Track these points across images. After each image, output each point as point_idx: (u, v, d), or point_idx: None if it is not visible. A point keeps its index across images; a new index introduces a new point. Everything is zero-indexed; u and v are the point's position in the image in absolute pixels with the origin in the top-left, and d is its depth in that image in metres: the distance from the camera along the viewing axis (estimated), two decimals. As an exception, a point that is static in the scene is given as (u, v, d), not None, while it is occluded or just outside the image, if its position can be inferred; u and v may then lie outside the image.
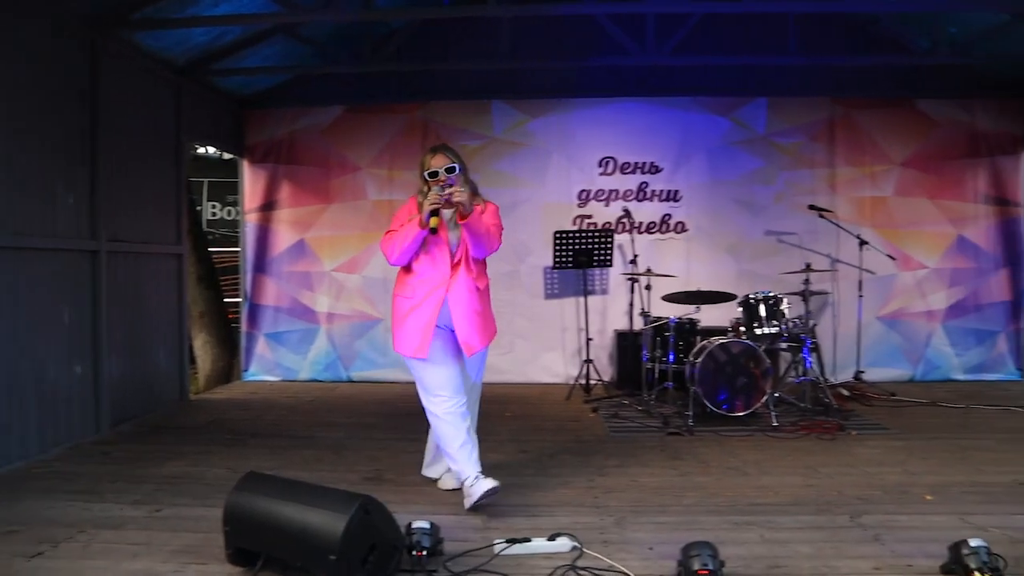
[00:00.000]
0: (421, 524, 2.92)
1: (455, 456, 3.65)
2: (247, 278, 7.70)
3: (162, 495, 3.87)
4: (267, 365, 7.67)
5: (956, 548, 2.71)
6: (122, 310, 5.66)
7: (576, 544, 3.05)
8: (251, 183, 7.70)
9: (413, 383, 7.22)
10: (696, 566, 2.62)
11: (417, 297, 3.60)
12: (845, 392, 6.37)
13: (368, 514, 2.62)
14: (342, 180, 7.63)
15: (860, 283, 6.83)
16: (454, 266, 3.61)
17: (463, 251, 3.62)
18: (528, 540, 3.05)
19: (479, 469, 3.62)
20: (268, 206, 7.66)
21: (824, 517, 3.45)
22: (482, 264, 3.77)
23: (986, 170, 7.39)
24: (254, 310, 7.69)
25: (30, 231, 4.67)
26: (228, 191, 12.45)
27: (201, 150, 13.31)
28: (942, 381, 7.22)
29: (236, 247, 12.33)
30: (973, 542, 2.68)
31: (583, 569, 2.85)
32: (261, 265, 7.67)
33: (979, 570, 2.58)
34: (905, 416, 5.71)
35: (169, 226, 6.46)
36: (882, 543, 3.11)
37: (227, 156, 12.76)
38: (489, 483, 3.52)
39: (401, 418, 5.81)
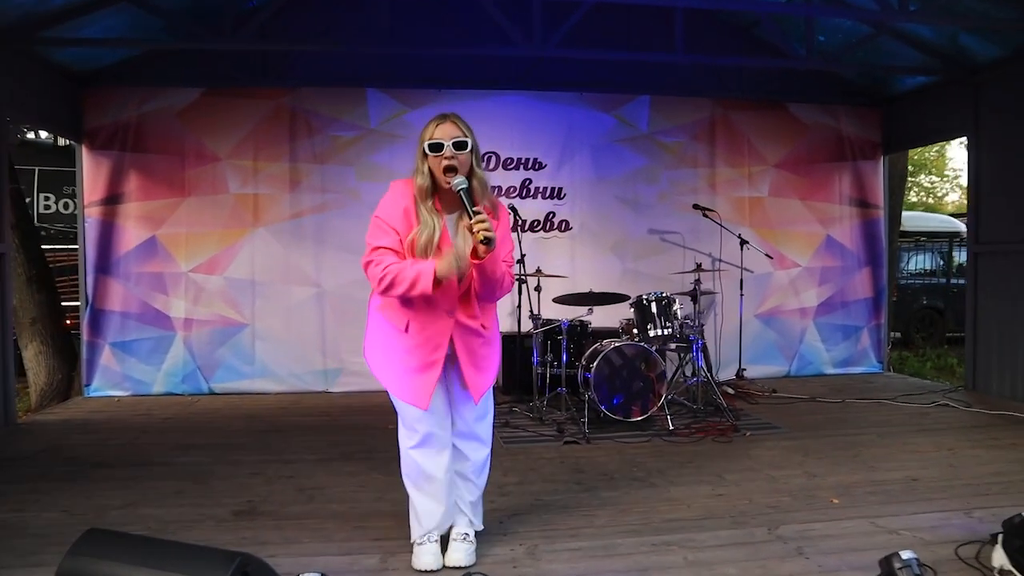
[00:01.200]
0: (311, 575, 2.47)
1: (413, 502, 2.96)
2: (88, 280, 6.79)
3: (-24, 550, 3.17)
4: (114, 378, 6.80)
5: (888, 563, 2.60)
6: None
7: (490, 583, 2.71)
8: (92, 172, 6.78)
9: (284, 393, 6.77)
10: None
11: (414, 331, 2.81)
12: (730, 390, 6.42)
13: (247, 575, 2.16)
14: (199, 171, 6.87)
15: (741, 282, 6.92)
16: (462, 296, 2.84)
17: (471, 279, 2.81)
18: (436, 582, 2.68)
19: (419, 552, 2.93)
20: (112, 199, 6.78)
21: (742, 531, 3.29)
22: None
23: (850, 173, 7.74)
24: (97, 316, 6.79)
25: None
26: (65, 181, 11.08)
27: (31, 135, 11.85)
28: (815, 376, 7.48)
29: (74, 244, 11.06)
30: (904, 555, 2.59)
31: (502, 614, 2.51)
32: (105, 265, 6.78)
33: (916, 587, 2.47)
34: (791, 413, 5.79)
35: (-12, 221, 5.53)
36: (806, 556, 2.98)
37: (62, 143, 11.44)
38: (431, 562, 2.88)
39: (273, 435, 5.24)
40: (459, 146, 2.70)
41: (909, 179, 20.74)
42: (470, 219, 2.58)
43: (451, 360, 2.90)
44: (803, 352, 7.58)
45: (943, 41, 6.45)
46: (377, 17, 6.01)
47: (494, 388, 3.07)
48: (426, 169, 2.74)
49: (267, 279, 6.89)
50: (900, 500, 3.69)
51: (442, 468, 2.90)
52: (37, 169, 11.18)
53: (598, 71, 7.16)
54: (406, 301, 2.79)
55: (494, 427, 3.18)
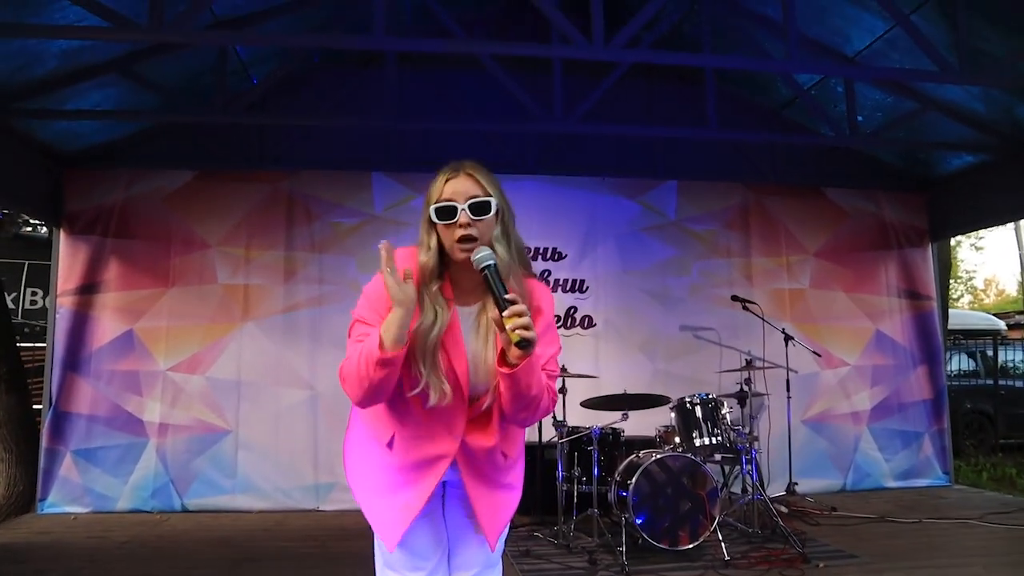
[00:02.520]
0: None
1: None
2: (54, 378, 6.06)
3: None
4: (73, 492, 5.93)
5: None
6: None
7: None
8: (68, 259, 6.17)
9: (268, 511, 5.89)
10: None
11: (399, 451, 1.99)
12: (784, 508, 5.52)
13: None
14: (186, 259, 6.25)
15: (788, 383, 6.15)
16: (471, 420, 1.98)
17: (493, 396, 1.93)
18: None
19: None
20: (88, 288, 6.13)
21: None
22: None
23: (896, 262, 7.11)
24: (59, 419, 6.01)
25: None
26: (41, 276, 10.60)
27: (27, 228, 11.45)
28: (875, 490, 6.56)
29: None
30: None
31: None
32: (74, 362, 6.05)
33: None
34: (863, 537, 4.90)
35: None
36: None
37: (43, 233, 11.00)
38: None
39: (246, 566, 4.37)
40: (479, 209, 1.90)
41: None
42: (500, 311, 1.77)
43: (454, 489, 2.08)
44: (859, 463, 6.69)
45: (997, 115, 5.94)
46: (385, 94, 5.56)
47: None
48: (433, 242, 1.94)
49: (255, 380, 6.13)
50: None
51: None
52: (27, 263, 10.69)
53: (621, 154, 6.66)
54: (392, 407, 1.96)
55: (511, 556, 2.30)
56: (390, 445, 1.97)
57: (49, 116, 5.45)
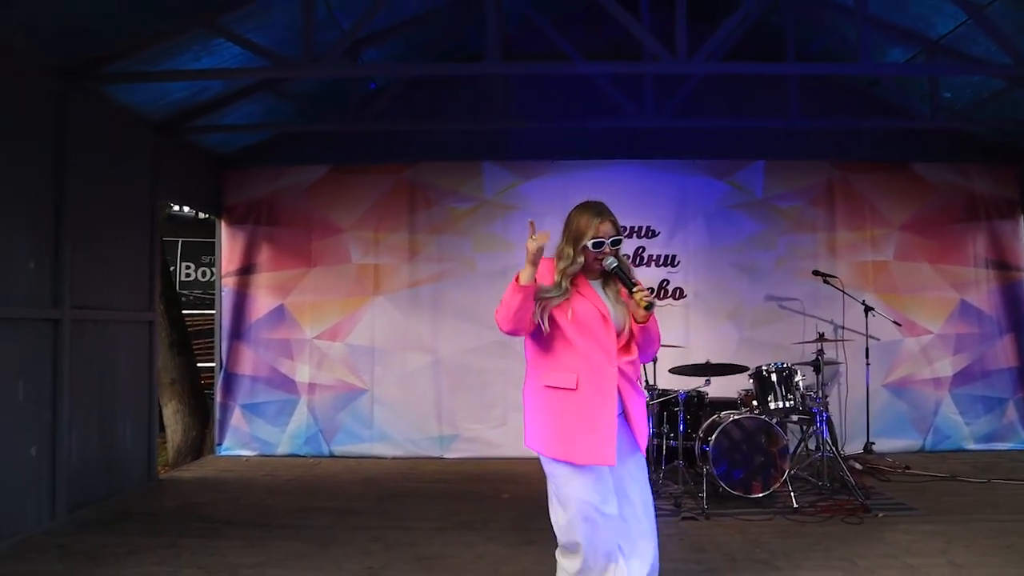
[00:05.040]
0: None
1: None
2: (223, 345, 7.26)
3: (124, 605, 3.38)
4: (242, 438, 7.17)
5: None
6: (86, 383, 5.20)
7: (612, 668, 2.63)
8: (229, 245, 7.32)
9: (400, 458, 6.92)
10: None
11: (584, 384, 2.87)
12: (858, 466, 6.04)
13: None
14: (325, 242, 7.28)
15: (867, 350, 6.59)
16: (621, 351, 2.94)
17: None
18: (557, 665, 2.63)
19: None
20: (246, 269, 7.27)
21: (881, 625, 3.07)
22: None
23: (985, 234, 7.28)
24: (230, 379, 7.22)
25: (-14, 300, 4.25)
26: (203, 251, 12.02)
27: (176, 208, 12.94)
28: (954, 451, 6.92)
29: (210, 310, 11.88)
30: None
31: None
32: (238, 332, 7.24)
33: None
34: (928, 493, 5.39)
35: (140, 291, 6.03)
36: (957, 660, 2.74)
37: (202, 216, 12.43)
38: None
39: (390, 501, 5.36)
40: (615, 243, 2.90)
41: None
42: (629, 290, 2.85)
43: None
44: (939, 425, 7.06)
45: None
46: (492, 94, 6.29)
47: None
48: (580, 259, 2.88)
49: (386, 346, 7.14)
50: (1064, 598, 3.34)
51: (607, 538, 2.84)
52: (180, 240, 12.20)
53: (710, 138, 7.13)
54: (566, 361, 2.87)
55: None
56: (575, 387, 2.83)
57: (217, 131, 6.51)
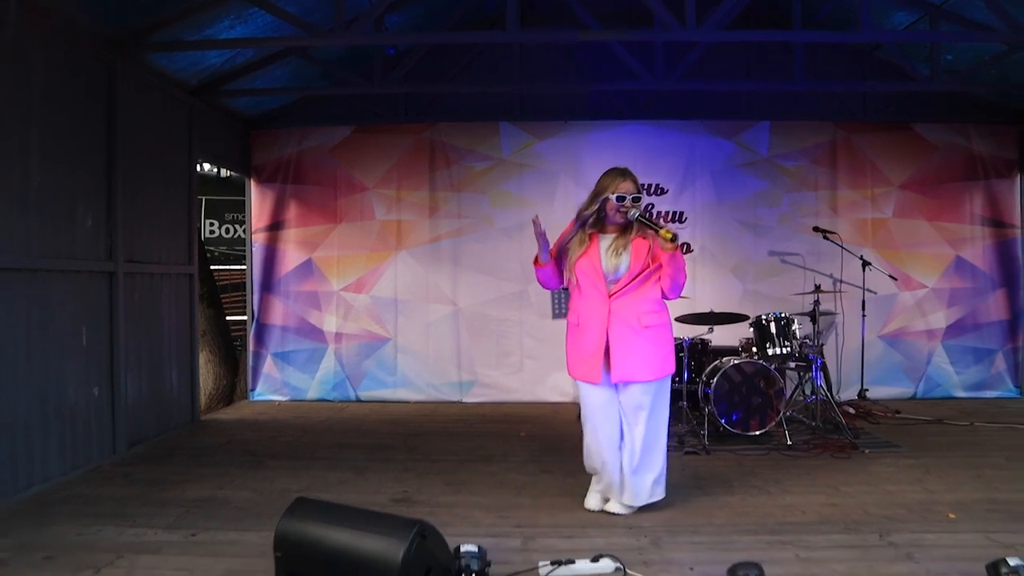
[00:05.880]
0: (469, 548, 2.95)
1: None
2: (254, 297, 7.71)
3: (193, 519, 3.87)
4: (274, 385, 7.66)
5: (995, 568, 2.79)
6: (136, 331, 5.65)
7: (619, 565, 3.10)
8: (258, 203, 7.72)
9: (422, 402, 7.39)
10: (746, 587, 2.67)
11: (584, 327, 3.86)
12: (852, 410, 6.47)
13: (424, 539, 2.66)
14: (350, 200, 7.67)
15: (863, 303, 6.96)
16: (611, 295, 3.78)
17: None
18: (572, 562, 3.10)
19: (594, 499, 4.00)
20: (275, 226, 7.68)
21: (854, 536, 3.52)
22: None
23: (982, 193, 7.58)
24: (261, 329, 7.68)
25: (52, 253, 4.68)
26: (226, 209, 12.45)
27: (199, 168, 13.32)
28: (943, 399, 7.35)
29: (235, 265, 12.37)
30: (1012, 561, 2.76)
31: (630, 591, 2.89)
32: (268, 285, 7.68)
33: (1020, 589, 2.66)
34: (913, 434, 5.82)
35: (181, 246, 6.46)
36: (916, 561, 3.19)
37: (224, 174, 12.81)
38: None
39: (417, 439, 5.83)
40: (636, 200, 3.73)
41: None
42: (656, 232, 3.61)
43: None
44: (931, 374, 7.48)
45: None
46: (509, 58, 6.59)
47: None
48: (595, 207, 3.75)
49: (408, 297, 7.57)
50: (1022, 519, 3.77)
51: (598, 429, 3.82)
52: (204, 198, 12.60)
53: (718, 99, 7.42)
54: (576, 305, 3.88)
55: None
56: (579, 324, 3.82)
57: (248, 94, 6.84)
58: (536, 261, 3.82)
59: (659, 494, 3.88)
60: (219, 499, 4.23)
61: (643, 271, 3.75)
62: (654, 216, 3.75)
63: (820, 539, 3.48)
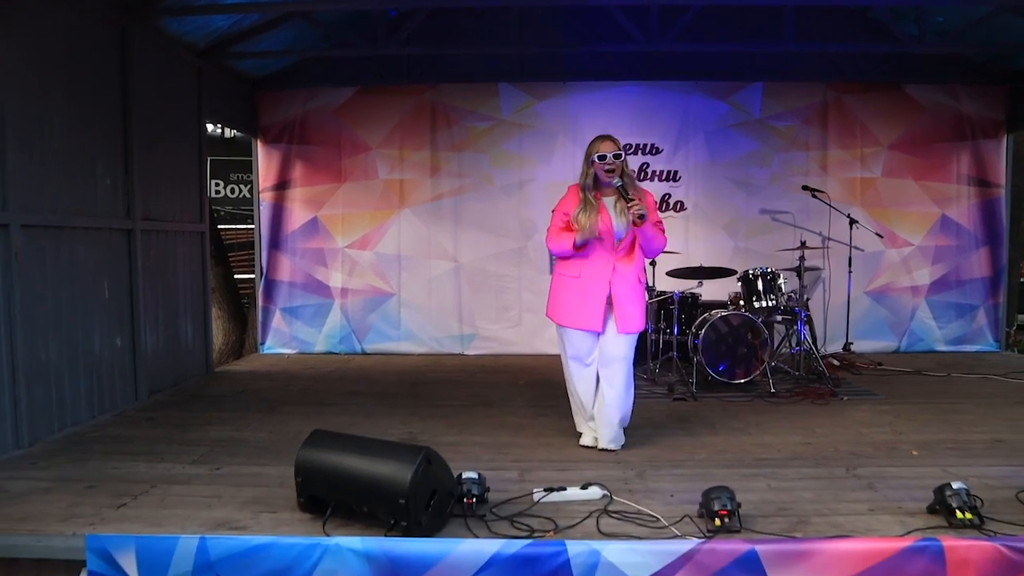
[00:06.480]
0: (470, 475, 3.27)
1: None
2: (263, 255, 7.98)
3: (216, 456, 4.20)
4: (283, 338, 7.98)
5: (940, 491, 3.11)
6: (153, 286, 5.94)
7: (606, 492, 3.42)
8: (265, 162, 7.95)
9: (425, 354, 7.71)
10: (716, 507, 3.01)
11: (585, 276, 4.16)
12: (836, 362, 6.79)
13: (430, 464, 2.98)
14: (354, 159, 7.89)
15: (850, 260, 7.23)
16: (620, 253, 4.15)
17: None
18: (564, 489, 3.42)
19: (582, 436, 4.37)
20: (282, 185, 7.93)
21: (823, 469, 3.85)
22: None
23: (969, 153, 7.79)
24: (270, 285, 7.97)
25: (77, 211, 4.95)
26: (231, 169, 12.67)
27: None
28: (925, 352, 7.67)
29: (240, 225, 12.62)
30: (955, 484, 3.08)
31: (615, 513, 3.22)
32: (276, 242, 7.95)
33: (960, 508, 2.98)
34: (892, 384, 6.14)
35: (192, 204, 6.72)
36: (875, 490, 3.51)
37: (229, 135, 12.99)
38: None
39: (420, 387, 6.17)
40: (616, 156, 4.05)
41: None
42: (627, 204, 3.96)
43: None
44: (914, 329, 7.78)
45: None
46: (508, 20, 6.75)
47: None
48: (592, 172, 4.07)
49: (411, 254, 7.86)
50: (978, 456, 4.09)
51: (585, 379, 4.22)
52: (209, 159, 12.78)
53: (712, 60, 7.58)
54: (577, 258, 4.12)
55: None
56: (579, 276, 4.08)
57: (254, 56, 7.03)
58: (574, 245, 4.05)
59: (622, 439, 4.27)
60: (239, 439, 4.57)
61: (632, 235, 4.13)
62: (635, 187, 4.12)
63: (791, 472, 3.81)
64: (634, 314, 4.12)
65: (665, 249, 4.36)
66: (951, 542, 2.65)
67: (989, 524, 2.98)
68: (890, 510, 3.24)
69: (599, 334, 4.13)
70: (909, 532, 2.95)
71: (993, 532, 2.91)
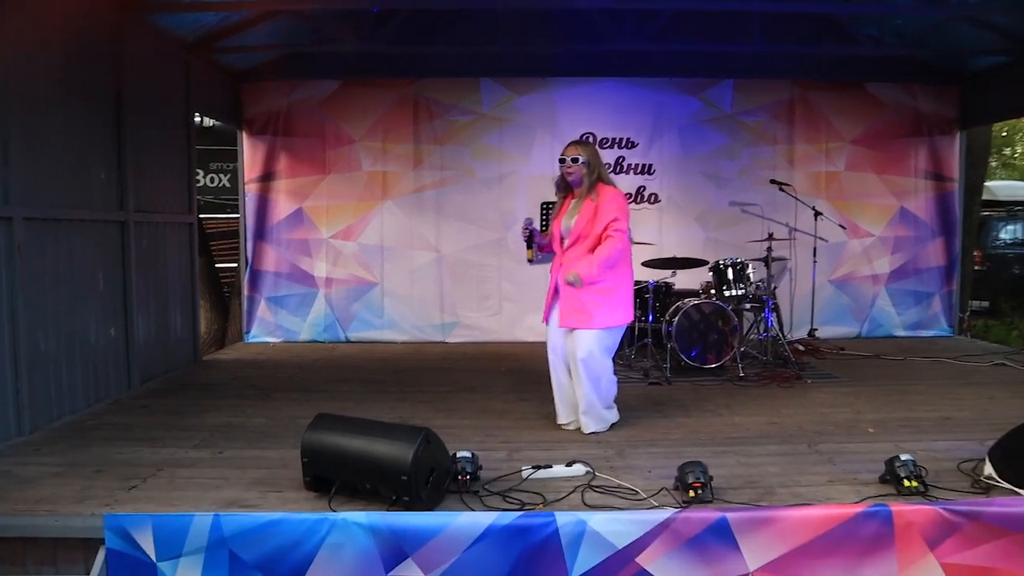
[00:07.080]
0: (464, 454, 3.53)
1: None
2: (248, 245, 8.13)
3: (216, 440, 4.41)
4: (268, 327, 8.15)
5: (890, 462, 3.44)
6: (145, 277, 6.08)
7: (589, 469, 3.71)
8: (250, 154, 8.09)
9: (408, 342, 7.94)
10: (691, 480, 3.30)
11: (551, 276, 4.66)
12: (801, 347, 7.15)
13: (429, 443, 3.23)
14: (338, 151, 8.06)
15: (815, 250, 7.58)
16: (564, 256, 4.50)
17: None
18: (550, 466, 3.70)
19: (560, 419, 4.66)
20: (267, 176, 8.07)
21: (787, 446, 4.18)
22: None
23: (926, 148, 8.20)
24: (255, 275, 8.13)
25: (75, 204, 5.10)
26: (212, 158, 12.68)
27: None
28: (885, 337, 8.09)
29: (220, 214, 12.66)
30: (903, 456, 3.42)
31: (598, 487, 3.51)
32: (261, 233, 8.10)
33: (907, 478, 3.32)
34: (853, 367, 6.52)
35: (181, 196, 6.86)
36: (834, 463, 3.85)
37: (208, 123, 12.99)
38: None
39: (407, 374, 6.40)
40: (574, 160, 4.35)
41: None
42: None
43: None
44: (874, 315, 8.19)
45: (1017, 26, 6.84)
46: (489, 18, 6.95)
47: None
48: (560, 173, 4.46)
49: (394, 245, 8.06)
50: (927, 431, 4.46)
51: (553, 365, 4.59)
52: (191, 149, 12.79)
53: (686, 58, 7.84)
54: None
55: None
56: (550, 273, 4.55)
57: (242, 51, 7.15)
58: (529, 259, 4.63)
59: (590, 427, 4.47)
60: (236, 424, 4.78)
61: (588, 234, 4.32)
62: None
63: (758, 448, 4.13)
64: (575, 309, 4.31)
65: (636, 241, 4.74)
66: (899, 507, 2.97)
67: (933, 491, 3.33)
68: (847, 481, 3.57)
69: (558, 327, 4.48)
70: (862, 499, 3.27)
71: (935, 498, 3.25)
